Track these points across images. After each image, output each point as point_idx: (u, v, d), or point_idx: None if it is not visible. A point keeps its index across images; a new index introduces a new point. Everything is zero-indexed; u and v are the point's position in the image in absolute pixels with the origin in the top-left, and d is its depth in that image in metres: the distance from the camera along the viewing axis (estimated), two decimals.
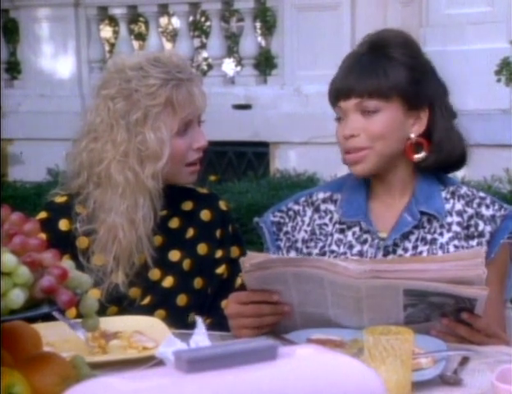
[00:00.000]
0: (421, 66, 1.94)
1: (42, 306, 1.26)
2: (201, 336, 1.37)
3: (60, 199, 2.10)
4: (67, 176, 2.12)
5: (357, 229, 1.93)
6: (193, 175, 2.08)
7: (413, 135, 1.91)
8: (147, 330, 1.73)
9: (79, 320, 1.47)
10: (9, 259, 1.21)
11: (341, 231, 1.94)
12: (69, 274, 1.27)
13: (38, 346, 1.40)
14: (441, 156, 1.92)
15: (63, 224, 2.05)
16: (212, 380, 0.96)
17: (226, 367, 0.98)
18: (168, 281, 2.05)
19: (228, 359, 0.99)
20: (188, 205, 2.12)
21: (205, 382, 0.96)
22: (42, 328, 1.49)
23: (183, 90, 2.00)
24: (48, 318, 1.77)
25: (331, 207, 1.98)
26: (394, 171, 1.93)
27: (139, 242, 2.00)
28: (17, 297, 1.20)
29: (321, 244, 1.95)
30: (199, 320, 1.40)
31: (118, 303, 2.01)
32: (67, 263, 1.32)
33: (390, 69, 1.88)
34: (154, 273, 2.04)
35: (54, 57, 7.20)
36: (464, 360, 1.57)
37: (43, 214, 2.08)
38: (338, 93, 1.92)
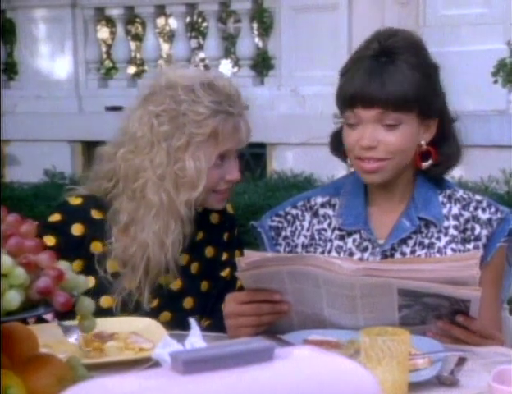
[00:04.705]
0: (435, 72, 1.89)
1: (38, 307, 1.26)
2: (196, 338, 1.37)
3: (75, 201, 2.03)
4: (96, 174, 2.06)
5: (357, 236, 1.92)
6: (221, 202, 2.04)
7: (423, 143, 1.89)
8: (143, 331, 1.73)
9: (74, 322, 1.47)
10: (5, 261, 1.21)
11: (341, 237, 1.94)
12: (65, 276, 1.27)
13: (35, 348, 1.40)
14: (449, 163, 1.92)
15: (76, 229, 1.99)
16: (208, 381, 0.96)
17: (222, 368, 0.98)
18: (176, 285, 2.04)
19: (224, 360, 0.99)
20: (198, 208, 2.10)
21: (201, 384, 0.96)
22: (38, 330, 1.49)
23: (230, 124, 1.96)
24: (44, 319, 1.78)
25: (330, 212, 1.97)
26: (401, 177, 1.91)
27: (166, 265, 1.97)
28: (13, 299, 1.20)
29: (320, 249, 1.94)
30: (193, 321, 1.40)
31: (127, 308, 1.99)
32: (63, 264, 1.32)
33: (413, 78, 1.81)
34: (164, 277, 2.02)
35: (51, 58, 7.20)
36: (461, 361, 1.57)
37: (56, 217, 2.01)
38: (357, 100, 1.83)
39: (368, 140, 1.83)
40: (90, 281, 1.87)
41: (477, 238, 1.89)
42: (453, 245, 1.89)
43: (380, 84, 1.80)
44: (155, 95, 1.98)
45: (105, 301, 1.95)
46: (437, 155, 1.90)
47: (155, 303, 2.02)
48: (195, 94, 1.95)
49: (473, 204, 1.92)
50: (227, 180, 2.01)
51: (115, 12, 7.22)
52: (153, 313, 1.95)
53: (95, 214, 2.01)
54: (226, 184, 2.01)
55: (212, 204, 2.04)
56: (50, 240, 1.91)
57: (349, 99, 1.85)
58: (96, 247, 1.99)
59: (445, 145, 1.91)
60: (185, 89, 1.95)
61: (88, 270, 1.90)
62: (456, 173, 4.18)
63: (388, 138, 1.83)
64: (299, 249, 1.97)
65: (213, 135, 1.94)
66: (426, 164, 1.90)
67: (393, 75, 1.81)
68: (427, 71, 1.87)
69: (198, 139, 1.94)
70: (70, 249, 1.90)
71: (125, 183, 1.98)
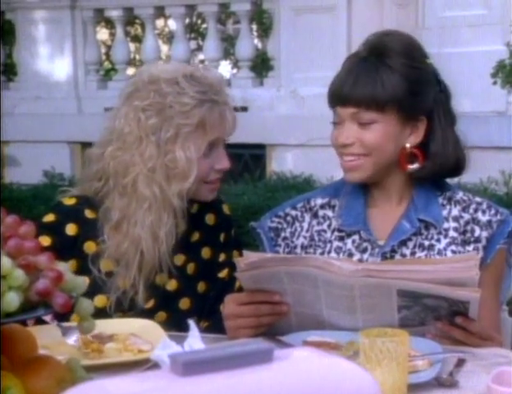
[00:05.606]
0: (421, 76, 1.89)
1: (37, 309, 1.26)
2: (195, 339, 1.37)
3: (69, 202, 2.04)
4: (86, 176, 2.07)
5: (356, 237, 1.92)
6: (212, 192, 2.06)
7: (408, 145, 1.89)
8: (142, 333, 1.73)
9: (73, 324, 1.47)
10: (4, 262, 1.21)
11: (341, 238, 1.94)
12: (64, 277, 1.27)
13: (34, 349, 1.40)
14: (435, 168, 1.90)
15: (70, 229, 2.00)
16: (207, 383, 0.96)
17: (221, 370, 0.98)
18: (172, 285, 2.05)
19: (224, 361, 0.99)
20: (193, 208, 2.10)
21: (200, 385, 0.96)
22: (37, 331, 1.49)
23: (216, 113, 1.97)
24: (43, 321, 1.77)
25: (330, 213, 1.97)
26: (391, 178, 1.92)
27: (160, 259, 1.97)
28: (12, 300, 1.20)
29: (320, 250, 1.95)
30: (192, 323, 1.40)
31: (121, 307, 1.99)
32: (62, 265, 1.32)
33: (388, 80, 1.84)
34: (160, 277, 2.03)
35: (50, 59, 7.20)
36: (460, 362, 1.57)
37: (50, 217, 2.02)
38: (335, 99, 1.90)
39: (343, 138, 1.88)
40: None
41: (477, 240, 1.89)
42: (453, 247, 1.89)
43: (353, 83, 1.85)
44: (139, 91, 2.00)
45: (99, 301, 1.95)
46: (424, 158, 1.90)
47: (151, 303, 2.02)
48: (179, 86, 1.97)
49: (473, 206, 1.92)
50: (217, 169, 2.02)
51: (114, 14, 7.22)
52: (149, 313, 1.95)
53: (89, 214, 2.02)
54: (216, 173, 2.03)
55: (204, 196, 2.05)
56: (46, 241, 1.92)
57: (329, 98, 1.91)
58: (90, 247, 2.00)
59: (432, 149, 1.90)
60: (168, 82, 1.97)
61: (82, 270, 1.90)
62: None
63: (363, 135, 1.86)
64: (299, 250, 1.97)
65: (201, 124, 1.96)
66: (411, 167, 1.90)
67: (368, 75, 1.85)
68: (412, 74, 1.87)
69: (187, 129, 1.95)
70: (64, 249, 1.90)
71: (115, 180, 1.99)
